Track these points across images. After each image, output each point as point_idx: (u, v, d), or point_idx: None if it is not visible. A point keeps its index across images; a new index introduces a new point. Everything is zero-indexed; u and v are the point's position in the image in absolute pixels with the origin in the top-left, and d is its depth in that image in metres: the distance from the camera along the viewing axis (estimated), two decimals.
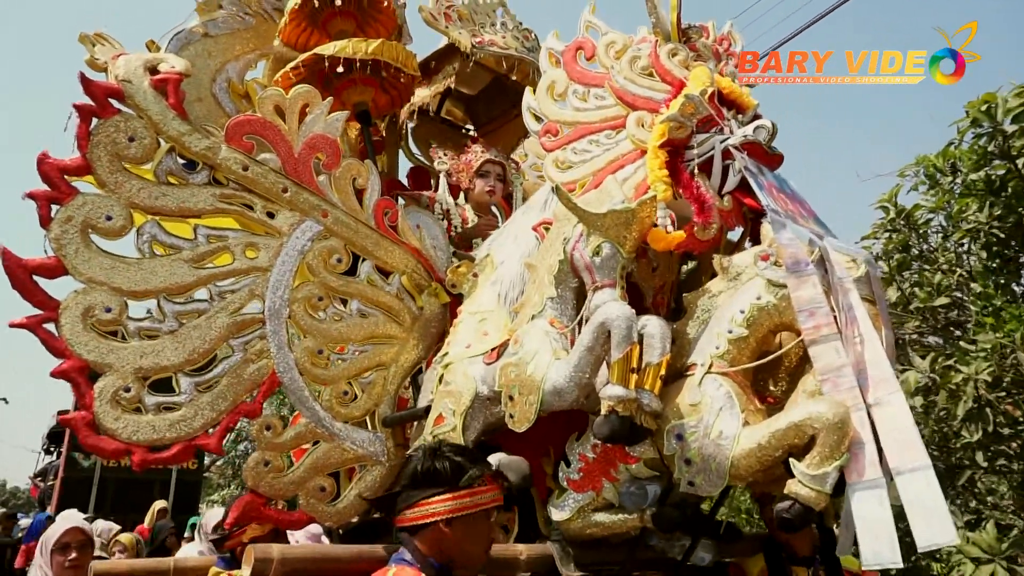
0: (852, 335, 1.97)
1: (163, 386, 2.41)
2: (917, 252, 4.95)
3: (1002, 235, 3.86)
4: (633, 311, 2.05)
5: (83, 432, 2.24)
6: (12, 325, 2.26)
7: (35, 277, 2.27)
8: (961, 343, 3.98)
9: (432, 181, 3.75)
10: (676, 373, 2.16)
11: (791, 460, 1.84)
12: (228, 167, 2.55)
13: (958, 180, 4.21)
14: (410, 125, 3.87)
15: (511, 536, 2.47)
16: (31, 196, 2.30)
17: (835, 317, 1.93)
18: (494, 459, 2.31)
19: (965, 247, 4.25)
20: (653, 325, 2.10)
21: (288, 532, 2.97)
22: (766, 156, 2.29)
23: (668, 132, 2.26)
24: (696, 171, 2.28)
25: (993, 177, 3.93)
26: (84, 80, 2.39)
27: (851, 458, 1.79)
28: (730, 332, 2.09)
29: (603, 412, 2.02)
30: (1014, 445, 3.90)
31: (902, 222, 4.78)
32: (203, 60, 2.80)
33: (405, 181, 3.86)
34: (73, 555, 2.85)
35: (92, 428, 2.25)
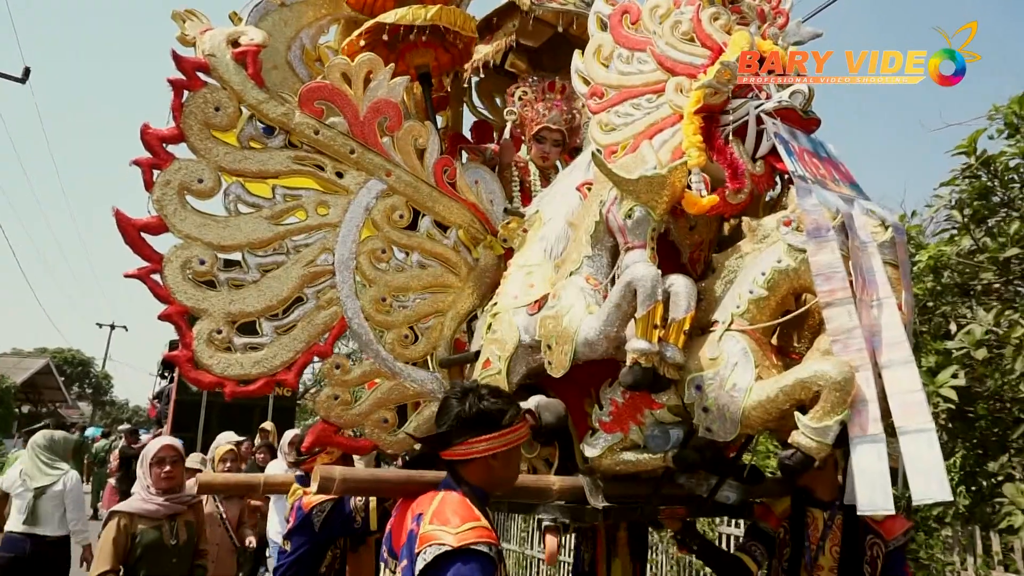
0: (870, 299, 2.07)
1: (249, 329, 2.76)
2: (999, 200, 4.76)
3: None
4: (659, 272, 2.21)
5: (185, 367, 2.63)
6: (126, 275, 2.64)
7: (142, 234, 2.63)
8: None
9: (495, 135, 3.92)
10: (702, 328, 2.32)
11: (796, 413, 2.00)
12: (301, 131, 2.82)
13: None
14: (474, 80, 4.01)
15: (552, 469, 2.74)
16: (136, 163, 2.64)
17: (851, 282, 2.03)
18: (534, 400, 2.58)
19: None
20: (679, 284, 2.26)
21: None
22: (801, 120, 2.35)
23: (704, 98, 2.35)
24: (731, 136, 2.37)
25: None
26: (175, 56, 2.68)
27: (854, 414, 1.93)
28: (751, 292, 2.22)
29: (628, 363, 2.22)
30: None
31: (982, 169, 4.61)
32: (279, 29, 3.04)
33: (469, 135, 4.03)
34: (167, 468, 3.37)
35: (192, 364, 2.63)
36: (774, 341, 2.42)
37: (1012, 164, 4.55)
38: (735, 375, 2.13)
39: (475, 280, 3.07)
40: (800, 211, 2.12)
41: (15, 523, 4.55)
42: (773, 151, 2.33)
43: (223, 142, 2.74)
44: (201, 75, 2.72)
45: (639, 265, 2.24)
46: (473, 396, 1.95)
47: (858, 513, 1.89)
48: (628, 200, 2.34)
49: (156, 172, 2.65)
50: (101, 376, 38.43)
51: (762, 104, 2.33)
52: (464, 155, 3.71)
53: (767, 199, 2.65)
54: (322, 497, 2.74)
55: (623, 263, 2.34)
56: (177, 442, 3.62)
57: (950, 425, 4.60)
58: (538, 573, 7.82)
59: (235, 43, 2.80)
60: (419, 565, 1.69)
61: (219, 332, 2.67)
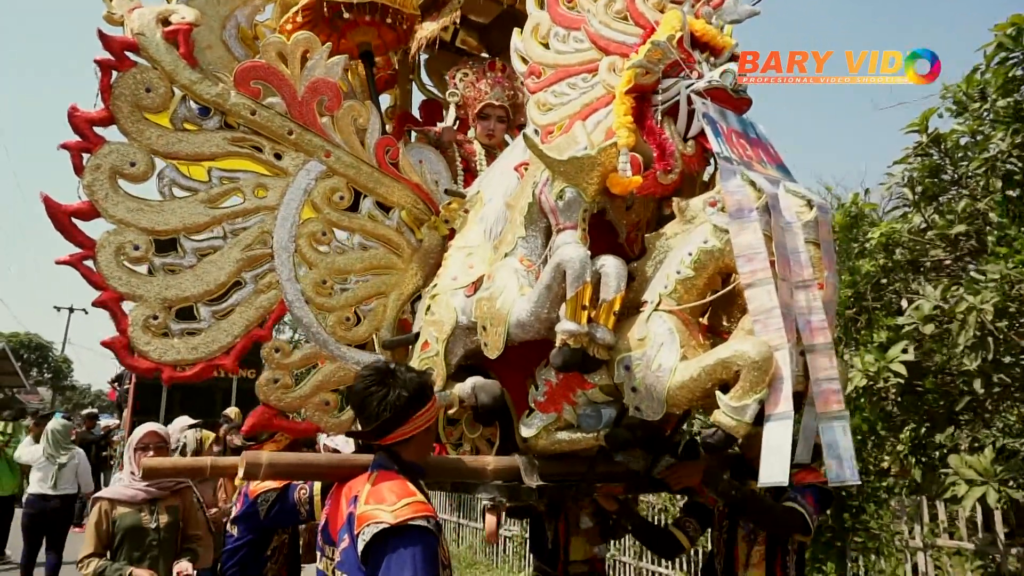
0: (794, 279, 2.10)
1: (187, 314, 2.74)
2: (949, 178, 4.82)
3: (1022, 164, 3.75)
4: (587, 253, 2.22)
5: (121, 354, 2.60)
6: (58, 262, 2.59)
7: (73, 220, 2.59)
8: (973, 273, 3.96)
9: (444, 112, 3.89)
10: (633, 308, 2.34)
11: (717, 392, 2.03)
12: (238, 112, 2.78)
13: (987, 107, 4.06)
14: (423, 58, 3.97)
15: (493, 449, 2.76)
16: (65, 147, 2.58)
17: (772, 262, 2.06)
18: (471, 381, 2.60)
19: (983, 175, 4.14)
20: (610, 264, 2.27)
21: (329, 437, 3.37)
22: (732, 100, 2.35)
23: (634, 78, 2.35)
24: (662, 116, 2.37)
25: (1023, 103, 3.78)
26: (102, 36, 2.62)
27: (771, 392, 1.97)
28: (678, 273, 2.24)
29: (557, 344, 2.24)
30: (1016, 371, 3.92)
31: (933, 147, 4.65)
32: (213, 7, 2.96)
33: (418, 114, 4.00)
34: (151, 453, 3.40)
35: (128, 350, 2.61)
36: (704, 321, 2.45)
37: (962, 142, 4.60)
38: (661, 355, 2.16)
39: (419, 261, 3.06)
40: (724, 192, 2.14)
41: (40, 487, 6.74)
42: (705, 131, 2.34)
43: (155, 124, 2.69)
44: (130, 55, 2.66)
45: (568, 247, 2.25)
46: (394, 378, 1.95)
47: (758, 485, 1.93)
48: (559, 181, 2.34)
49: (86, 156, 2.60)
50: (60, 360, 37.56)
51: (692, 84, 2.33)
52: (413, 135, 3.67)
53: (705, 179, 2.67)
54: (267, 485, 2.75)
55: (554, 244, 2.34)
56: (162, 428, 3.68)
57: (900, 399, 4.69)
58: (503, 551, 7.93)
59: (166, 22, 2.73)
60: (360, 545, 1.71)
61: (155, 318, 2.65)
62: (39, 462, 6.88)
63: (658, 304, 2.25)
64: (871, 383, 4.27)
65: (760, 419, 1.99)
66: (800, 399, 2.07)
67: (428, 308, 2.75)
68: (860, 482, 1.99)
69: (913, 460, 4.79)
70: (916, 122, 4.68)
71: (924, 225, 4.76)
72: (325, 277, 2.88)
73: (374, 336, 3.01)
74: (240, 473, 2.03)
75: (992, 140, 3.97)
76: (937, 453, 4.71)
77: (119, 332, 2.62)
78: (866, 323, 4.91)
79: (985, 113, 4.21)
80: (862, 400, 4.48)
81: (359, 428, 2.52)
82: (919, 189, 4.71)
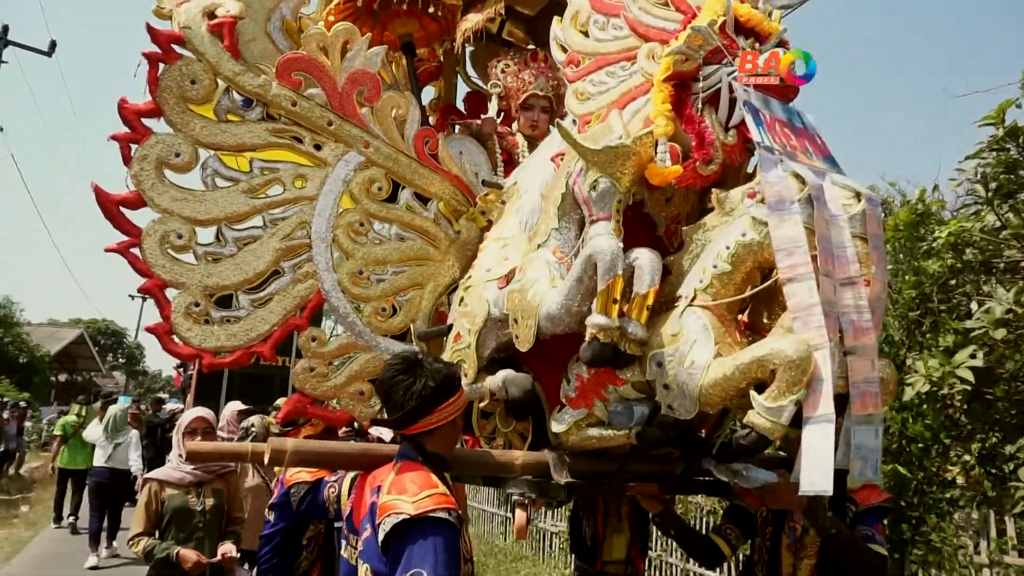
0: (839, 275, 1.98)
1: (226, 302, 2.79)
2: None
3: None
4: (619, 245, 2.15)
5: (164, 339, 2.67)
6: (107, 250, 2.68)
7: (121, 208, 2.67)
8: None
9: (488, 104, 3.86)
10: (668, 304, 2.26)
11: (752, 392, 1.93)
12: (279, 103, 2.81)
13: None
14: (468, 50, 3.94)
15: (526, 443, 2.72)
16: (114, 138, 2.67)
17: (814, 256, 1.95)
18: (502, 374, 2.56)
19: None
20: (644, 257, 2.20)
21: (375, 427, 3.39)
22: (777, 88, 2.24)
23: (673, 65, 2.26)
24: (702, 105, 2.28)
25: None
26: (150, 29, 2.69)
27: (810, 393, 1.86)
28: (715, 267, 2.15)
29: (587, 338, 2.18)
30: None
31: (1010, 141, 4.36)
32: (258, 1, 3.01)
33: (463, 107, 3.98)
34: (199, 438, 3.50)
35: (170, 336, 2.68)
36: (744, 318, 2.35)
37: None
38: (694, 352, 2.07)
39: (456, 253, 3.04)
40: (763, 183, 2.03)
41: (100, 462, 8.14)
42: None
43: (200, 115, 2.75)
44: (176, 48, 2.72)
45: (600, 238, 2.18)
46: (421, 368, 1.93)
47: (800, 493, 1.83)
48: (593, 171, 2.27)
49: (134, 147, 2.67)
50: (134, 346, 39.86)
51: (734, 71, 2.22)
52: (456, 127, 3.66)
53: (750, 171, 2.56)
54: (300, 476, 2.78)
55: (586, 236, 2.28)
56: (209, 413, 3.81)
57: (967, 407, 4.43)
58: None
59: (211, 15, 2.79)
60: (380, 535, 1.71)
61: (197, 305, 2.71)
62: (100, 440, 8.25)
63: (693, 299, 2.16)
64: (935, 389, 4.04)
65: (798, 421, 1.89)
66: (843, 402, 1.96)
67: (462, 299, 2.73)
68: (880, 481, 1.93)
69: (982, 471, 4.51)
70: (992, 114, 4.39)
71: (998, 224, 4.46)
72: (362, 267, 2.89)
73: (411, 327, 3.00)
74: (265, 459, 2.05)
75: None
76: (1008, 465, 4.43)
77: (163, 318, 2.69)
78: (931, 326, 4.64)
79: None
80: (924, 407, 4.25)
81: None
82: (993, 185, 4.41)
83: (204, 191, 2.76)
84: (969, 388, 4.11)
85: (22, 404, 16.38)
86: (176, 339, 2.69)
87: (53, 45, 12.54)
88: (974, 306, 4.50)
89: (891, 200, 6.79)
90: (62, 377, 25.58)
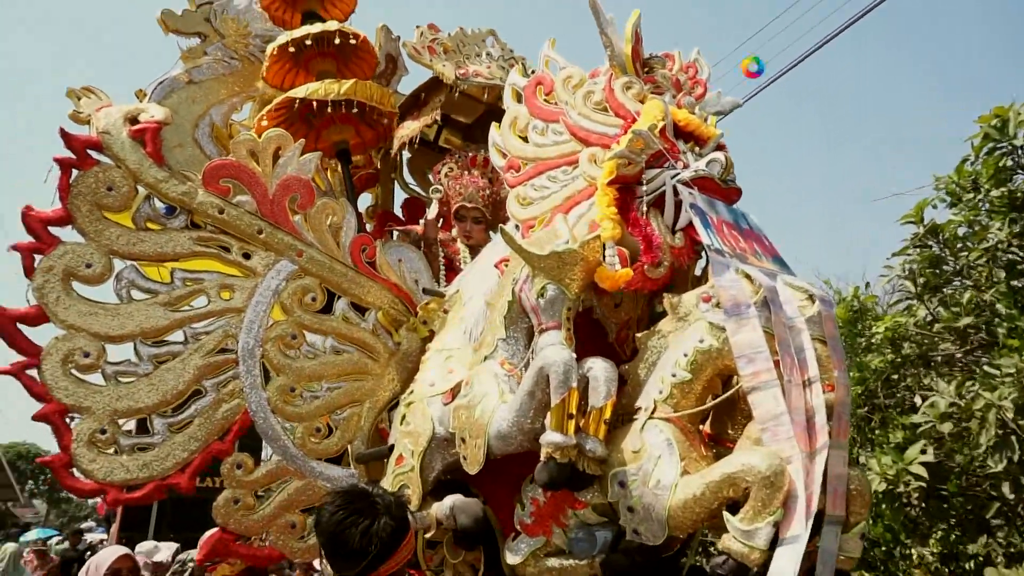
0: (800, 379, 1.89)
1: (145, 426, 2.50)
2: (951, 269, 4.68)
3: (1023, 254, 3.61)
4: (572, 355, 2.02)
5: (60, 474, 2.36)
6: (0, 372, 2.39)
7: (19, 326, 2.40)
8: (986, 367, 3.74)
9: (427, 210, 3.79)
10: (626, 416, 2.11)
11: (725, 513, 1.77)
12: (204, 211, 2.65)
13: (981, 197, 3.98)
14: (406, 156, 3.91)
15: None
16: (16, 248, 2.43)
17: (776, 362, 1.85)
18: (449, 500, 2.33)
19: (985, 265, 4.00)
20: (598, 368, 2.06)
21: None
22: (721, 190, 2.22)
23: (617, 169, 2.22)
24: (647, 208, 2.23)
25: (1016, 192, 3.69)
26: (64, 134, 2.53)
27: (786, 511, 1.71)
28: (674, 376, 2.03)
29: (542, 458, 1.99)
30: None
31: (931, 238, 4.54)
32: (186, 107, 2.91)
33: (400, 213, 3.90)
34: None
35: (69, 469, 2.36)
36: (706, 428, 2.22)
37: (960, 232, 4.49)
38: (659, 470, 1.91)
39: (396, 366, 2.85)
40: (717, 287, 1.96)
41: None
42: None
43: (116, 223, 2.56)
44: (93, 154, 2.55)
45: (551, 348, 2.05)
46: (374, 504, 1.67)
47: None
48: (540, 278, 2.16)
49: (38, 257, 2.44)
50: None
51: (678, 173, 2.20)
52: (395, 234, 3.55)
53: (698, 273, 2.50)
54: None
55: (536, 346, 2.14)
56: (130, 552, 3.30)
57: (923, 505, 4.36)
58: None
59: (134, 120, 2.65)
60: None
61: (103, 432, 2.42)
62: None
63: (653, 411, 2.02)
64: (891, 487, 3.97)
65: (775, 543, 1.73)
66: (821, 518, 1.81)
67: (403, 417, 2.52)
68: None
69: (946, 571, 4.39)
70: (911, 213, 4.59)
71: (930, 318, 4.57)
72: (294, 384, 2.66)
73: (348, 448, 2.75)
74: None
75: (990, 230, 3.85)
76: (970, 564, 4.33)
77: (61, 449, 2.38)
78: (880, 422, 4.64)
79: (980, 203, 4.11)
80: (883, 506, 4.16)
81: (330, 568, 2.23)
82: (921, 281, 4.55)
83: (118, 304, 2.53)
84: (924, 484, 4.05)
85: None
86: (77, 472, 2.36)
87: None
88: (918, 400, 4.52)
89: None
90: None
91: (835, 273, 15.23)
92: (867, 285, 5.10)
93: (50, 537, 14.39)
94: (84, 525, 12.93)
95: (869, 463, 4.00)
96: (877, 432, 4.54)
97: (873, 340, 4.66)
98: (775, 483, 1.70)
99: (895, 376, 4.73)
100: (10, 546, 7.57)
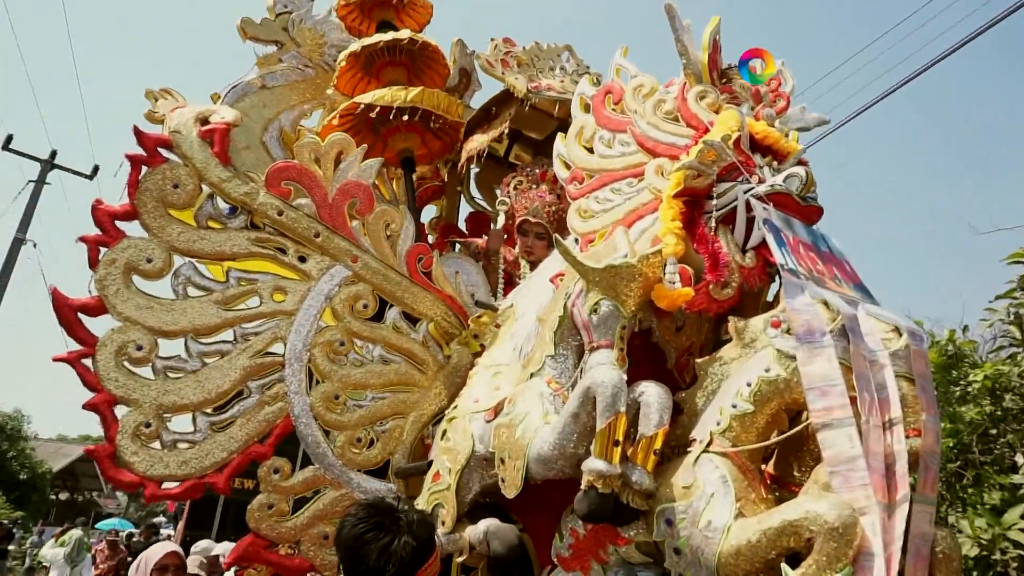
0: (880, 420, 1.67)
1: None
2: None
3: None
4: (622, 377, 1.86)
5: (104, 463, 2.36)
6: (55, 359, 2.43)
7: (79, 315, 2.44)
8: None
9: (492, 225, 3.71)
10: (679, 448, 1.93)
11: (784, 567, 1.57)
12: (264, 212, 2.65)
13: None
14: (474, 170, 3.86)
15: None
16: (82, 240, 2.49)
17: (853, 398, 1.64)
18: (484, 524, 2.20)
19: None
20: (651, 392, 1.90)
21: None
22: (800, 208, 2.03)
23: (684, 181, 2.07)
24: (716, 224, 2.07)
25: None
26: (137, 131, 2.58)
27: (857, 571, 1.49)
28: (734, 407, 1.84)
29: (583, 487, 1.84)
30: None
31: None
32: (258, 110, 2.95)
33: (464, 227, 3.83)
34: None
35: (113, 460, 2.36)
36: (768, 468, 2.01)
37: None
38: (711, 510, 1.72)
39: (445, 379, 2.76)
40: (789, 311, 1.77)
41: None
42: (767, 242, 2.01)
43: (178, 220, 2.58)
44: (163, 152, 2.60)
45: (600, 368, 1.90)
46: (398, 522, 1.57)
47: None
48: (594, 292, 2.03)
49: (103, 250, 2.49)
50: None
51: (752, 187, 2.02)
52: (456, 247, 3.49)
53: (770, 299, 2.31)
54: None
55: (585, 365, 2.00)
56: (179, 548, 3.34)
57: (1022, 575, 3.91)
58: None
59: (204, 121, 2.69)
60: None
61: (147, 425, 2.41)
62: (59, 563, 8.24)
63: (709, 444, 1.83)
64: (985, 553, 3.58)
65: None
66: None
67: (444, 433, 2.41)
68: None
69: None
70: (1020, 252, 4.20)
71: None
72: (339, 391, 2.60)
73: (389, 460, 2.67)
74: None
75: None
76: None
77: (107, 439, 2.39)
78: (974, 480, 4.21)
79: None
80: (974, 574, 3.75)
81: None
82: None
83: (173, 300, 2.54)
84: None
85: (5, 523, 15.42)
86: (119, 464, 2.36)
87: (95, 170, 12.93)
88: (1019, 458, 4.09)
89: None
90: (63, 496, 24.51)
91: (928, 316, 14.20)
92: (965, 329, 4.69)
93: (126, 531, 14.97)
94: (156, 520, 13.39)
95: (960, 524, 3.62)
96: (970, 491, 4.11)
97: (970, 389, 4.25)
98: (844, 536, 1.49)
99: (993, 431, 4.29)
100: (75, 532, 8.07)
